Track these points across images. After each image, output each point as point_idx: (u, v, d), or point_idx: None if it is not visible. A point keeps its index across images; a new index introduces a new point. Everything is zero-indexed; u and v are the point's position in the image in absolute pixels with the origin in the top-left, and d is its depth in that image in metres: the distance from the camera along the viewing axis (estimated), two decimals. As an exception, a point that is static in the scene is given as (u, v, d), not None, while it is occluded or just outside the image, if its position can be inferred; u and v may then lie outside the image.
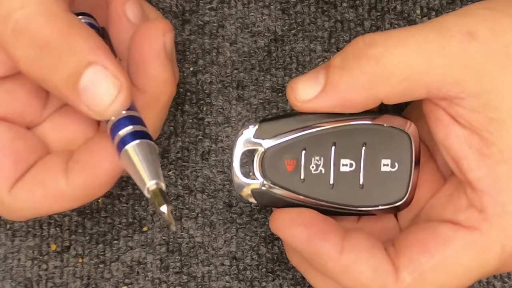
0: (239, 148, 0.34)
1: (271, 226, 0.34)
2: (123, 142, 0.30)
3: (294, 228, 0.33)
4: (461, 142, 0.32)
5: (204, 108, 0.42)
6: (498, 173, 0.31)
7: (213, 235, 0.41)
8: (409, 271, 0.32)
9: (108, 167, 0.32)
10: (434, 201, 0.35)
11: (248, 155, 0.34)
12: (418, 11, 0.43)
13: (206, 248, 0.41)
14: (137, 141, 0.30)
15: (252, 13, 0.43)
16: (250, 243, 0.41)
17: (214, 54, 0.43)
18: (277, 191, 0.34)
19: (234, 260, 0.41)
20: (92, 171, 0.32)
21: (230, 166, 0.36)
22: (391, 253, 0.32)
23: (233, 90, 0.42)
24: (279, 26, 0.43)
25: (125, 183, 0.41)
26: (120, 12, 0.34)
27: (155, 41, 0.32)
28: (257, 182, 0.34)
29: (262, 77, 0.43)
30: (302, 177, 0.34)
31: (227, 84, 0.42)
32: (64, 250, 0.41)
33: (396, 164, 0.34)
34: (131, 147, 0.30)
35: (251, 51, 0.43)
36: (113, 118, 0.31)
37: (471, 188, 0.32)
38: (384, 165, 0.34)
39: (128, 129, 0.31)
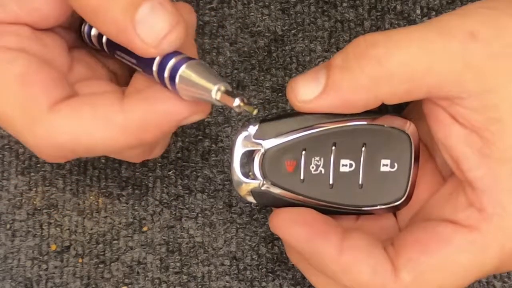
0: (239, 148, 0.34)
1: (270, 226, 0.34)
2: (174, 70, 0.31)
3: (294, 228, 0.33)
4: (461, 142, 0.32)
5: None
6: (498, 173, 0.31)
7: (213, 235, 0.41)
8: (408, 270, 0.32)
9: (167, 108, 0.31)
10: (433, 200, 0.35)
11: (248, 155, 0.34)
12: (418, 11, 0.43)
13: (206, 248, 0.41)
14: (187, 63, 0.31)
15: (252, 13, 0.43)
16: (250, 243, 0.41)
17: (214, 54, 0.43)
18: (277, 191, 0.34)
19: (234, 260, 0.41)
20: (151, 106, 0.31)
21: (230, 166, 0.36)
22: (390, 253, 0.32)
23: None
24: (279, 26, 0.43)
25: (125, 183, 0.41)
26: None
27: None
28: (257, 182, 0.34)
29: (262, 77, 0.43)
30: (302, 177, 0.34)
31: (227, 84, 0.42)
32: (64, 250, 0.41)
33: (396, 164, 0.34)
34: (183, 69, 0.30)
35: (251, 51, 0.43)
36: (156, 62, 0.31)
37: (471, 188, 0.32)
38: (383, 165, 0.34)
39: (173, 61, 0.31)
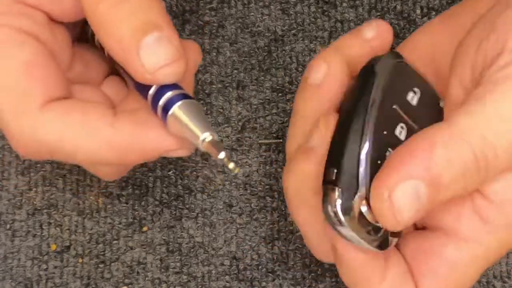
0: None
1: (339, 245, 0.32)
2: (169, 104, 0.31)
3: (355, 250, 0.32)
4: None
5: (204, 108, 0.42)
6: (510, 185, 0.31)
7: (213, 235, 0.41)
8: None
9: (156, 137, 0.32)
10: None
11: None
12: (418, 11, 0.43)
13: (206, 248, 0.41)
14: (182, 101, 0.31)
15: (252, 13, 0.43)
16: (250, 243, 0.41)
17: (214, 54, 0.43)
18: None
19: (234, 260, 0.41)
20: (141, 131, 0.31)
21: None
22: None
23: (233, 90, 0.42)
24: (279, 26, 0.43)
25: (125, 183, 0.41)
26: None
27: None
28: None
29: (262, 77, 0.43)
30: None
31: (227, 84, 0.42)
32: (64, 250, 0.41)
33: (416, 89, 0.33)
34: (177, 107, 0.31)
35: (251, 51, 0.43)
36: (153, 89, 0.31)
37: (482, 197, 0.31)
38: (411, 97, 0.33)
39: (170, 94, 0.31)
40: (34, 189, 0.41)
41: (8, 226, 0.41)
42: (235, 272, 0.41)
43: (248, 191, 0.41)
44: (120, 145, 0.31)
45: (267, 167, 0.42)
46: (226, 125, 0.42)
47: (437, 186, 0.29)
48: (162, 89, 0.31)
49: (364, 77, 0.33)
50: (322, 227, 0.33)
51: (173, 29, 0.31)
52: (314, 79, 0.34)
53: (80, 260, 0.40)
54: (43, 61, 0.32)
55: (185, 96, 0.31)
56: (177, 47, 0.31)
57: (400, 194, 0.29)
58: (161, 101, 0.31)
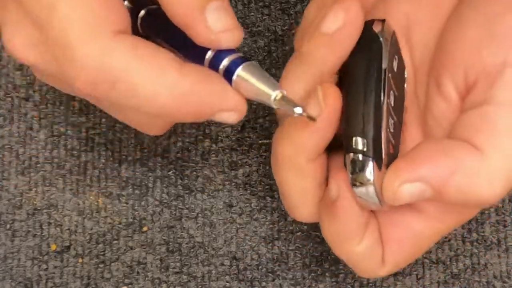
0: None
1: None
2: (232, 66, 0.32)
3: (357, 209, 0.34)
4: None
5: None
6: None
7: (213, 235, 0.41)
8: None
9: (220, 90, 0.32)
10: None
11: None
12: (418, 11, 0.43)
13: (206, 248, 0.41)
14: (246, 62, 0.32)
15: (252, 13, 0.43)
16: (250, 243, 0.41)
17: (214, 54, 0.43)
18: None
19: (234, 260, 0.41)
20: (206, 82, 0.31)
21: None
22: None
23: (233, 90, 0.42)
24: (279, 26, 0.43)
25: (125, 183, 0.41)
26: None
27: None
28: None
29: (262, 77, 0.43)
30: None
31: (227, 84, 0.42)
32: (64, 250, 0.41)
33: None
34: (243, 68, 0.32)
35: (251, 51, 0.43)
36: (210, 53, 0.32)
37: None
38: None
39: (232, 56, 0.32)
40: (34, 189, 0.41)
41: (8, 226, 0.41)
42: (235, 272, 0.41)
43: (248, 191, 0.41)
44: (183, 92, 0.31)
45: (267, 167, 0.42)
46: (226, 125, 0.42)
47: (442, 195, 0.32)
48: (221, 54, 0.32)
49: (369, 44, 0.33)
50: (308, 188, 0.34)
51: (228, 2, 0.32)
52: (329, 28, 0.33)
53: (80, 260, 0.40)
54: None
55: (245, 59, 0.32)
56: (233, 16, 0.32)
57: (407, 188, 0.32)
58: (222, 65, 0.32)
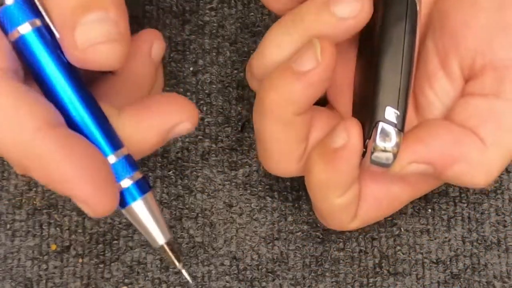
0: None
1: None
2: (128, 194, 0.30)
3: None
4: None
5: (204, 108, 0.42)
6: None
7: (213, 235, 0.41)
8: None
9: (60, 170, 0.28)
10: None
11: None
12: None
13: (206, 248, 0.41)
14: (142, 197, 0.30)
15: (252, 13, 0.43)
16: (250, 243, 0.41)
17: (214, 54, 0.43)
18: None
19: (234, 260, 0.41)
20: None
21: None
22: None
23: (233, 90, 0.42)
24: (279, 26, 0.43)
25: (125, 183, 0.41)
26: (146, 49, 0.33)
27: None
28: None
29: (262, 77, 0.43)
30: None
31: (227, 84, 0.42)
32: (64, 250, 0.41)
33: None
34: (137, 204, 0.30)
35: (251, 51, 0.43)
36: (113, 157, 0.30)
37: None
38: None
39: (129, 179, 0.30)
40: (34, 189, 0.41)
41: (8, 226, 0.41)
42: (235, 272, 0.41)
43: (248, 191, 0.41)
44: (31, 157, 0.28)
45: (267, 167, 0.42)
46: (226, 125, 0.42)
47: (440, 176, 0.34)
48: (119, 165, 0.30)
49: (404, 8, 0.33)
50: (290, 142, 0.34)
51: (122, 12, 0.29)
52: None
53: (80, 260, 0.40)
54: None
55: (142, 184, 0.30)
56: (120, 29, 0.28)
57: (414, 166, 0.34)
58: (122, 182, 0.30)
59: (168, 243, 0.31)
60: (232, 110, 0.42)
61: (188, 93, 0.42)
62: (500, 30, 0.33)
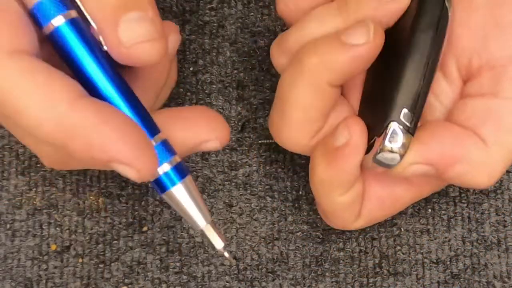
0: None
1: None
2: (167, 178, 0.30)
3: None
4: None
5: (204, 108, 0.42)
6: None
7: (213, 235, 0.41)
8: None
9: (107, 142, 0.29)
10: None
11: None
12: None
13: (206, 248, 0.41)
14: (182, 181, 0.30)
15: (252, 13, 0.43)
16: (250, 243, 0.41)
17: (214, 54, 0.43)
18: None
19: (234, 260, 0.41)
20: (97, 126, 0.29)
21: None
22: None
23: (233, 90, 0.42)
24: (279, 26, 0.43)
25: (125, 183, 0.41)
26: None
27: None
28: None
29: (262, 77, 0.43)
30: None
31: (227, 84, 0.42)
32: (64, 250, 0.41)
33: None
34: (177, 188, 0.30)
35: (251, 51, 0.43)
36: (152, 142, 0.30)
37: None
38: None
39: (168, 164, 0.30)
40: (34, 189, 0.41)
41: (8, 226, 0.41)
42: (235, 272, 0.41)
43: (248, 191, 0.41)
44: (70, 125, 0.28)
45: (267, 167, 0.42)
46: (226, 125, 0.42)
47: (441, 176, 0.34)
48: (164, 147, 0.30)
49: (437, 12, 0.33)
50: (313, 112, 0.34)
51: (157, 12, 0.30)
52: None
53: (80, 260, 0.40)
54: (14, 9, 0.29)
55: (181, 168, 0.30)
56: (158, 28, 0.30)
57: (416, 167, 0.34)
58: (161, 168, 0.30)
59: (210, 225, 0.31)
60: (232, 110, 0.42)
61: (188, 93, 0.42)
62: (495, 30, 0.33)
